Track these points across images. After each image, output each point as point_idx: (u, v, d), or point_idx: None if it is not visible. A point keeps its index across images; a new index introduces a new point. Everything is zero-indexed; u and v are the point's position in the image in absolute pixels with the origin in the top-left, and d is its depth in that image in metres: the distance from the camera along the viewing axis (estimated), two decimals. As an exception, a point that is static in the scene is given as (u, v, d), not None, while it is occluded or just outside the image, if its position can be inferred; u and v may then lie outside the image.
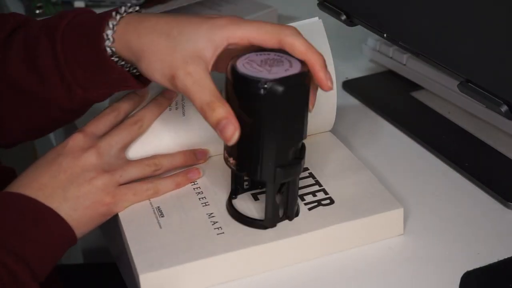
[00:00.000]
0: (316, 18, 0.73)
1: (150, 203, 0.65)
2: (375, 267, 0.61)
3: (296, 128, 0.58)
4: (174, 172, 0.68)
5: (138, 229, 0.62)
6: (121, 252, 0.67)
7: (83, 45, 0.63)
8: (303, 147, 0.60)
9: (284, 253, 0.61)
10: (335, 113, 0.74)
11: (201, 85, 0.57)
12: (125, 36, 0.61)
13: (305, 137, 0.59)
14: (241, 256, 0.59)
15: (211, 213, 0.63)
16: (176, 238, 0.60)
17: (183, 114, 0.69)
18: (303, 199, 0.64)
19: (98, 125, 0.66)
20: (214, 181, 0.67)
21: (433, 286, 0.59)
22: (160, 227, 0.62)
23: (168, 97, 0.69)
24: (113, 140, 0.65)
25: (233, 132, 0.56)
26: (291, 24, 0.73)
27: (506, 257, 0.61)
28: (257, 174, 0.58)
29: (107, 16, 0.62)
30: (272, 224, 0.61)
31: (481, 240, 0.64)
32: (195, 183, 0.67)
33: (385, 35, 0.79)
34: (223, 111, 0.56)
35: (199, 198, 0.65)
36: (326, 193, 0.65)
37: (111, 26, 0.61)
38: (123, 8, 0.63)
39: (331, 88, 0.58)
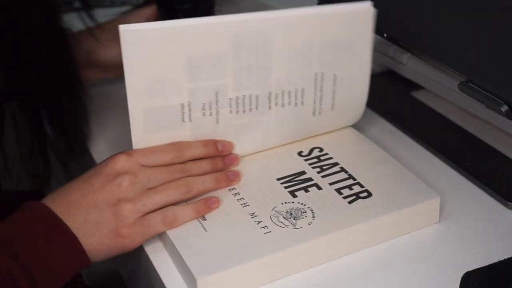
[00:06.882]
0: (369, 3, 0.68)
1: None
2: (374, 267, 0.61)
3: None
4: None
5: (184, 234, 0.61)
6: (136, 271, 0.66)
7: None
8: None
9: (333, 247, 0.61)
10: (364, 106, 0.75)
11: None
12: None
13: None
14: (294, 253, 0.59)
15: (253, 213, 0.63)
16: (224, 240, 0.60)
17: (217, 121, 0.67)
18: (340, 193, 0.65)
19: (149, 156, 0.63)
20: (247, 180, 0.67)
21: (433, 286, 0.59)
22: (206, 230, 0.61)
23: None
24: (153, 181, 0.62)
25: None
26: (340, 5, 0.68)
27: (506, 257, 0.61)
28: None
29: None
30: None
31: (481, 240, 0.64)
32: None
33: (385, 35, 0.79)
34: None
35: (237, 200, 0.65)
36: (361, 186, 0.66)
37: None
38: None
39: None
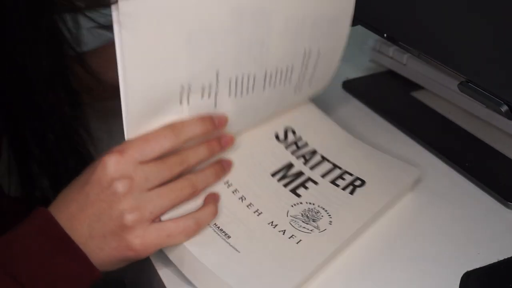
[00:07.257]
0: None
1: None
2: (374, 267, 0.61)
3: None
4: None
5: (217, 258, 0.56)
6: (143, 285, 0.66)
7: None
8: None
9: (354, 239, 0.63)
10: (330, 80, 0.76)
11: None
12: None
13: None
14: (333, 255, 0.60)
15: (272, 222, 0.61)
16: (264, 260, 0.57)
17: (215, 105, 0.62)
18: (337, 185, 0.66)
19: (145, 148, 0.55)
20: (244, 179, 0.65)
21: (433, 286, 0.59)
22: (238, 251, 0.57)
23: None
24: (151, 181, 0.55)
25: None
26: None
27: (506, 257, 0.61)
28: None
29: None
30: None
31: (481, 240, 0.64)
32: (231, 185, 0.63)
33: (385, 35, 0.79)
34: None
35: (247, 206, 0.62)
36: (350, 174, 0.68)
37: None
38: None
39: None
